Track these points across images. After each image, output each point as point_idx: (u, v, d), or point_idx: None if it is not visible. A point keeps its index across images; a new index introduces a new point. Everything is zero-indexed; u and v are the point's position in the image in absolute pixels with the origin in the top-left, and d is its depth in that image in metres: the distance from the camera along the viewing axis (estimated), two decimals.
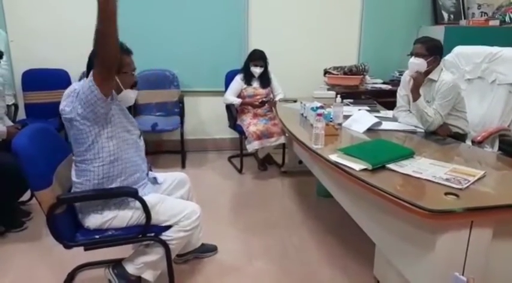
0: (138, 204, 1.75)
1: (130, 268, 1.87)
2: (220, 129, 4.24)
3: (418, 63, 2.46)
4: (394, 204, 1.52)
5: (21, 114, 3.85)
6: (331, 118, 2.53)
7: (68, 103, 1.69)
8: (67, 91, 1.74)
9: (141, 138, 1.97)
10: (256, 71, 3.67)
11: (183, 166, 3.93)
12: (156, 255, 1.85)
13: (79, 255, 1.94)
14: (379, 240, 1.91)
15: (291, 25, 4.21)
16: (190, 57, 4.11)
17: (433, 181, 1.63)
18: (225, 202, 3.17)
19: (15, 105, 3.76)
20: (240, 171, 3.79)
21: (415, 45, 2.52)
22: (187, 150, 4.32)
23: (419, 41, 2.53)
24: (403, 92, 2.67)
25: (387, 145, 2.04)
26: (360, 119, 2.53)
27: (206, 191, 3.36)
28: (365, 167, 1.78)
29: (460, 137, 2.47)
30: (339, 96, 2.66)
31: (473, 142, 2.44)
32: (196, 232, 2.23)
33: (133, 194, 1.73)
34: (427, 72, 2.48)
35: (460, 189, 1.56)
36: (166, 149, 4.25)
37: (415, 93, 2.41)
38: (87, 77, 1.72)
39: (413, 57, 2.49)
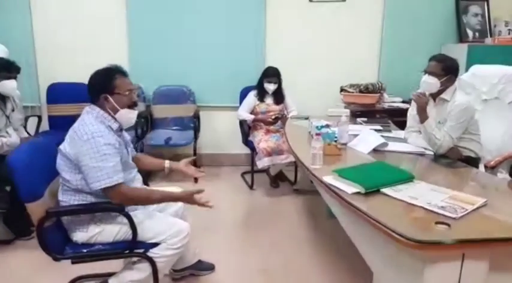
0: (125, 219, 1.75)
1: None
2: (235, 145, 4.23)
3: (430, 83, 2.37)
4: (381, 231, 1.45)
5: (45, 126, 4.03)
6: (335, 137, 2.46)
7: (73, 146, 1.75)
8: (71, 133, 1.80)
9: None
10: (270, 87, 3.66)
11: (196, 180, 3.93)
12: (143, 272, 1.84)
13: (82, 266, 1.94)
14: (373, 266, 1.82)
15: (309, 42, 4.19)
16: (207, 73, 4.17)
17: (427, 209, 1.54)
18: (232, 218, 3.14)
19: (39, 117, 3.93)
20: (251, 187, 3.76)
21: (430, 62, 2.42)
22: (202, 165, 4.34)
23: (435, 58, 2.43)
24: (414, 112, 2.57)
25: (386, 169, 1.96)
26: (365, 139, 2.44)
27: (215, 206, 3.32)
28: (358, 190, 1.71)
29: (472, 161, 2.33)
30: (344, 115, 2.59)
31: (486, 167, 2.30)
32: (192, 248, 2.23)
33: (120, 210, 1.73)
34: (440, 92, 2.38)
35: (454, 218, 1.46)
36: None
37: (422, 115, 2.32)
38: (91, 101, 1.85)
39: (427, 75, 2.39)
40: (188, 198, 1.90)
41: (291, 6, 4.12)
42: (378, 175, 1.83)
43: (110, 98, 1.83)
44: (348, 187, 1.74)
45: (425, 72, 2.42)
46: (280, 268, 2.46)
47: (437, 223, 1.43)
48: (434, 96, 2.43)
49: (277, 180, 3.85)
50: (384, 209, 1.59)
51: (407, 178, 1.83)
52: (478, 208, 1.56)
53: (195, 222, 2.57)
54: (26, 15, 3.98)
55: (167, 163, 2.19)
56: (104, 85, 1.84)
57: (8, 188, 2.69)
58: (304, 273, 2.41)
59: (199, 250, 2.32)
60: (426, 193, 1.68)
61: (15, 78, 2.67)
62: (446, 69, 2.36)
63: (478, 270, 1.39)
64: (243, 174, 4.09)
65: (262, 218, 3.18)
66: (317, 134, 2.07)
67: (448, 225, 1.42)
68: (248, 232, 2.93)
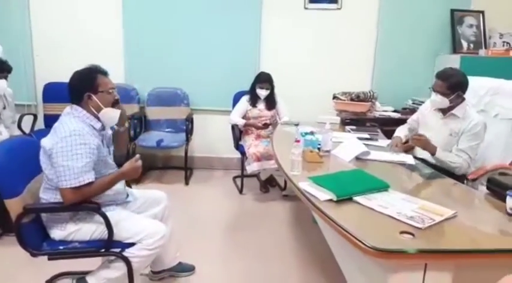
0: (102, 218, 1.78)
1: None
2: (227, 149, 4.24)
3: (439, 101, 2.42)
4: (346, 238, 1.47)
5: (41, 124, 4.08)
6: (319, 145, 2.48)
7: (52, 141, 1.77)
8: (56, 126, 1.82)
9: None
10: (262, 93, 3.70)
11: (187, 182, 3.98)
12: (119, 271, 1.86)
13: (63, 264, 1.98)
14: (346, 273, 1.85)
15: (304, 49, 4.22)
16: (201, 76, 4.22)
17: (395, 218, 1.56)
18: (218, 221, 3.16)
19: (34, 116, 3.98)
20: (240, 191, 3.79)
21: (436, 80, 2.45)
22: (194, 167, 4.38)
23: (440, 77, 2.43)
24: (415, 116, 2.72)
25: (363, 177, 1.97)
26: (348, 147, 2.46)
27: (202, 209, 3.40)
28: (330, 198, 1.73)
29: (458, 177, 2.34)
30: (327, 122, 2.61)
31: (467, 179, 2.31)
32: (172, 251, 2.26)
33: (96, 209, 1.77)
34: (450, 108, 2.42)
35: (420, 228, 1.47)
36: (174, 165, 4.33)
37: (430, 149, 2.38)
38: (72, 102, 1.88)
39: (434, 93, 2.42)
40: (129, 170, 1.88)
41: (287, 13, 4.16)
42: (352, 184, 1.85)
43: (94, 97, 1.86)
44: (321, 194, 1.76)
45: (433, 89, 2.45)
46: (261, 272, 2.48)
47: (402, 232, 1.45)
48: (444, 111, 2.46)
49: (267, 185, 3.88)
50: (353, 217, 1.61)
51: (382, 187, 1.85)
52: (446, 219, 1.57)
53: (181, 224, 2.61)
54: (25, 15, 4.05)
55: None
56: (87, 84, 1.87)
57: None
58: (283, 279, 2.43)
59: (180, 253, 2.34)
60: (397, 203, 1.70)
61: (5, 77, 2.72)
62: (452, 88, 2.38)
63: (441, 281, 1.40)
64: (234, 178, 4.12)
65: (248, 222, 3.20)
66: (297, 141, 2.09)
67: (413, 234, 1.43)
68: (233, 236, 2.95)
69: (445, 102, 2.39)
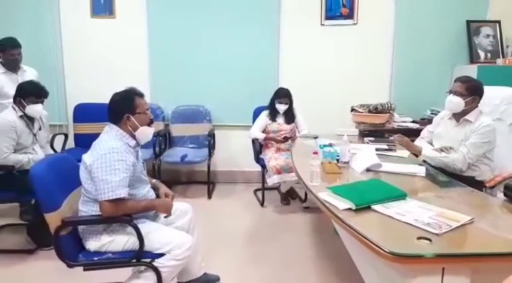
0: (134, 230, 1.90)
1: None
2: (249, 162, 4.34)
3: (455, 102, 2.48)
4: (364, 244, 1.53)
5: (71, 144, 4.29)
6: (337, 156, 2.56)
7: (92, 158, 1.92)
8: (92, 146, 1.99)
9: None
10: (281, 108, 3.80)
11: (209, 196, 4.09)
12: (148, 280, 1.96)
13: (95, 275, 2.05)
14: (367, 281, 1.89)
15: (321, 64, 4.32)
16: (222, 93, 4.37)
17: (413, 225, 1.62)
18: (240, 233, 3.24)
19: (65, 135, 4.18)
20: (262, 204, 3.87)
21: (455, 83, 2.55)
22: (217, 181, 4.50)
23: (460, 79, 2.54)
24: (429, 128, 2.76)
25: (380, 186, 2.03)
26: (360, 158, 2.52)
27: (225, 221, 3.49)
28: (349, 207, 1.80)
29: (476, 184, 2.36)
30: (345, 134, 2.68)
31: (485, 187, 2.33)
32: (198, 261, 2.34)
33: (128, 221, 1.89)
34: (464, 113, 2.47)
35: (437, 234, 1.53)
36: (198, 180, 4.46)
37: (412, 150, 2.45)
38: (111, 121, 2.04)
39: (451, 95, 2.49)
40: (161, 205, 2.08)
41: (304, 30, 4.29)
42: (370, 193, 1.91)
43: (132, 118, 2.03)
44: (340, 204, 1.83)
45: (450, 92, 2.52)
46: (282, 282, 2.54)
47: (419, 238, 1.50)
48: (458, 116, 2.51)
49: (288, 197, 3.95)
50: (372, 225, 1.68)
51: (400, 196, 1.91)
52: (463, 225, 1.62)
53: (204, 236, 2.70)
54: (57, 37, 4.30)
55: (153, 180, 2.32)
56: (126, 106, 2.03)
57: (33, 201, 2.91)
58: None
59: (205, 263, 2.42)
60: (415, 211, 1.76)
61: (42, 102, 2.91)
62: (471, 90, 2.46)
63: None
64: (255, 191, 4.21)
65: (270, 234, 3.27)
66: (314, 153, 2.17)
67: (430, 240, 1.49)
68: (255, 247, 3.02)
69: (461, 104, 2.44)
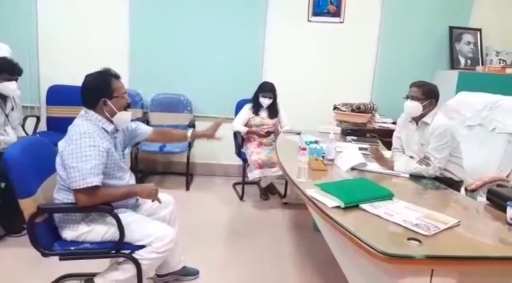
0: (114, 220, 1.81)
1: None
2: (229, 156, 4.29)
3: (413, 107, 2.49)
4: (354, 243, 1.52)
5: (43, 127, 4.10)
6: (323, 153, 2.55)
7: (65, 144, 1.81)
8: (69, 128, 1.86)
9: (127, 157, 2.07)
10: (265, 102, 3.76)
11: (187, 188, 4.01)
12: (127, 273, 1.89)
13: (69, 265, 2.00)
14: (351, 279, 1.89)
15: (306, 60, 4.31)
16: (205, 84, 4.29)
17: (402, 225, 1.61)
18: (218, 227, 3.19)
19: (37, 118, 4.00)
20: (241, 198, 3.83)
21: (411, 88, 2.56)
22: (195, 173, 4.42)
23: (416, 84, 2.57)
24: (398, 134, 2.70)
25: (368, 185, 2.03)
26: (346, 157, 2.52)
27: (203, 214, 3.43)
28: (338, 205, 1.78)
29: (455, 184, 2.41)
30: (331, 132, 2.68)
31: (466, 190, 2.38)
32: (177, 255, 2.28)
33: (108, 210, 1.80)
34: (422, 116, 2.50)
35: (426, 235, 1.53)
36: (175, 171, 4.37)
37: (384, 164, 2.46)
38: (86, 106, 1.90)
39: (409, 100, 2.51)
40: (143, 191, 1.96)
41: (290, 25, 4.26)
42: (358, 191, 1.90)
43: (109, 102, 1.90)
44: (329, 201, 1.81)
45: (407, 97, 2.55)
46: (260, 277, 2.52)
47: (409, 239, 1.50)
48: (417, 119, 2.55)
49: (268, 192, 3.92)
50: (360, 223, 1.66)
51: (387, 195, 1.90)
52: (450, 227, 1.63)
53: (182, 229, 2.63)
54: (32, 17, 4.09)
55: (189, 132, 2.37)
56: (102, 89, 1.90)
57: (2, 185, 2.75)
58: None
59: (184, 257, 2.37)
60: (403, 211, 1.76)
61: (16, 80, 2.75)
62: (427, 94, 2.49)
63: None
64: (234, 185, 4.16)
65: (249, 229, 3.23)
66: (303, 149, 2.15)
67: (420, 241, 1.49)
68: (233, 241, 2.98)
69: (419, 108, 2.47)
